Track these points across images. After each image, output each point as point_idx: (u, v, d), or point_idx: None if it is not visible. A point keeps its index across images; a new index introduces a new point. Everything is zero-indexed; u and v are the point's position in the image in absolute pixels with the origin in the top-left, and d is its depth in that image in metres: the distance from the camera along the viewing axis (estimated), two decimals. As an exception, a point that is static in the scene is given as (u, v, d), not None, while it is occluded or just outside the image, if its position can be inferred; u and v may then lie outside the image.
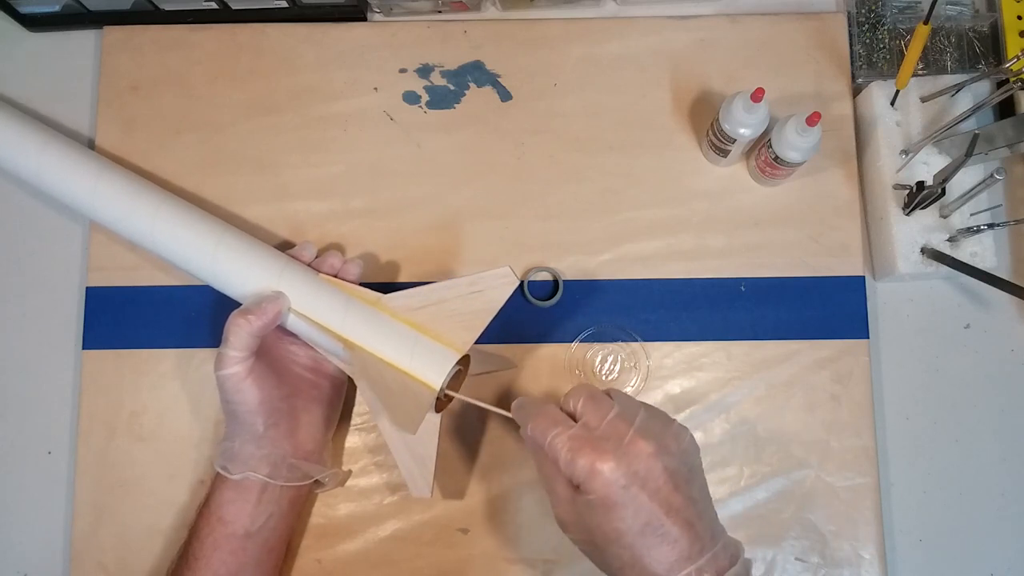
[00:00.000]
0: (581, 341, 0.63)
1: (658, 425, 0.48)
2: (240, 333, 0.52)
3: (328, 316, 0.55)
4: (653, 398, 0.62)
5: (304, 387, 0.58)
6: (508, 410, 0.52)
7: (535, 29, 0.67)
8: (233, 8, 0.66)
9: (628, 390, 0.62)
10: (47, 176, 0.59)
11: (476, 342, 0.54)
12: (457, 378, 0.55)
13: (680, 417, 0.62)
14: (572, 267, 0.64)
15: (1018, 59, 0.61)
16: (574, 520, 0.47)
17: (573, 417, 0.48)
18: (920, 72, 0.65)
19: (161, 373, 0.63)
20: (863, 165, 0.65)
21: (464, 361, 0.55)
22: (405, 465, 0.55)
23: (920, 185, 0.60)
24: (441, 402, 0.54)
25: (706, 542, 0.45)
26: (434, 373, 0.52)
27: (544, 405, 0.50)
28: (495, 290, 0.52)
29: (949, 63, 0.66)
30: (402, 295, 0.55)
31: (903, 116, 0.64)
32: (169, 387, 0.62)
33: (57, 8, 0.66)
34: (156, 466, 0.62)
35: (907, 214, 0.62)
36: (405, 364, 0.53)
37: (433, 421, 0.54)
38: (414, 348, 0.53)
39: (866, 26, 0.66)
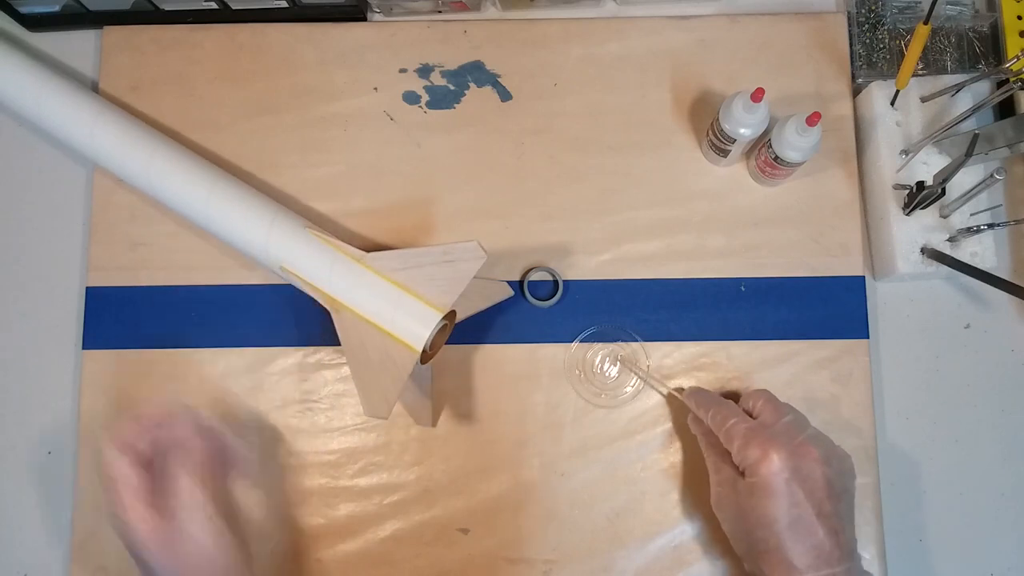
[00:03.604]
0: (581, 341, 0.63)
1: (826, 441, 0.54)
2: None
3: (315, 272, 0.55)
4: (654, 398, 0.62)
5: None
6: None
7: (535, 29, 0.67)
8: (233, 8, 0.66)
9: (629, 390, 0.62)
10: (48, 114, 0.61)
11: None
12: (442, 333, 0.56)
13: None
14: (572, 267, 0.64)
15: (1018, 59, 0.61)
16: (731, 502, 0.53)
17: (750, 415, 0.55)
18: (920, 72, 0.65)
19: (161, 373, 0.63)
20: (863, 165, 0.65)
21: (449, 317, 0.55)
22: (405, 402, 0.57)
23: (920, 185, 0.60)
24: (427, 354, 0.55)
25: (845, 554, 0.50)
26: (420, 326, 0.53)
27: (724, 399, 0.57)
28: (466, 263, 0.53)
29: (949, 63, 0.66)
30: (383, 255, 0.55)
31: (903, 116, 0.63)
32: (169, 387, 0.62)
33: (57, 8, 0.66)
34: (156, 466, 0.62)
35: (907, 214, 0.62)
36: (389, 318, 0.53)
37: (424, 366, 0.56)
38: (399, 302, 0.54)
39: (866, 26, 0.66)
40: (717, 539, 0.60)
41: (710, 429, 0.56)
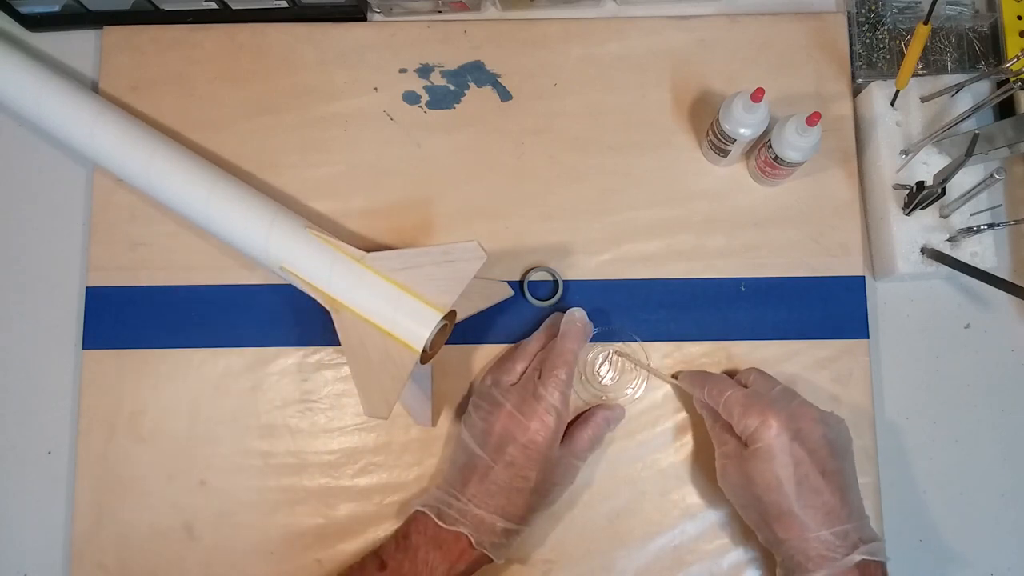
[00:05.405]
0: (581, 341, 0.63)
1: (817, 407, 0.55)
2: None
3: (315, 272, 0.55)
4: (653, 398, 0.62)
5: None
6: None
7: (535, 29, 0.67)
8: (233, 8, 0.66)
9: (629, 391, 0.62)
10: (48, 114, 0.61)
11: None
12: (442, 333, 0.56)
13: (680, 417, 0.62)
14: (572, 267, 0.64)
15: (1018, 59, 0.61)
16: (737, 472, 0.53)
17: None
18: (920, 72, 0.65)
19: (161, 373, 0.63)
20: (863, 165, 0.65)
21: (449, 317, 0.55)
22: (405, 402, 0.57)
23: (920, 185, 0.60)
24: (427, 354, 0.55)
25: (853, 511, 0.51)
26: (420, 326, 0.53)
27: (717, 374, 0.59)
28: (466, 262, 0.53)
29: (949, 63, 0.66)
30: (383, 255, 0.55)
31: (903, 116, 0.64)
32: (169, 387, 0.63)
33: (57, 8, 0.66)
34: (156, 466, 0.62)
35: (907, 214, 0.62)
36: (389, 318, 0.53)
37: (424, 366, 0.56)
38: (399, 302, 0.54)
39: (866, 26, 0.66)
40: (732, 529, 0.60)
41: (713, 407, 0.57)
